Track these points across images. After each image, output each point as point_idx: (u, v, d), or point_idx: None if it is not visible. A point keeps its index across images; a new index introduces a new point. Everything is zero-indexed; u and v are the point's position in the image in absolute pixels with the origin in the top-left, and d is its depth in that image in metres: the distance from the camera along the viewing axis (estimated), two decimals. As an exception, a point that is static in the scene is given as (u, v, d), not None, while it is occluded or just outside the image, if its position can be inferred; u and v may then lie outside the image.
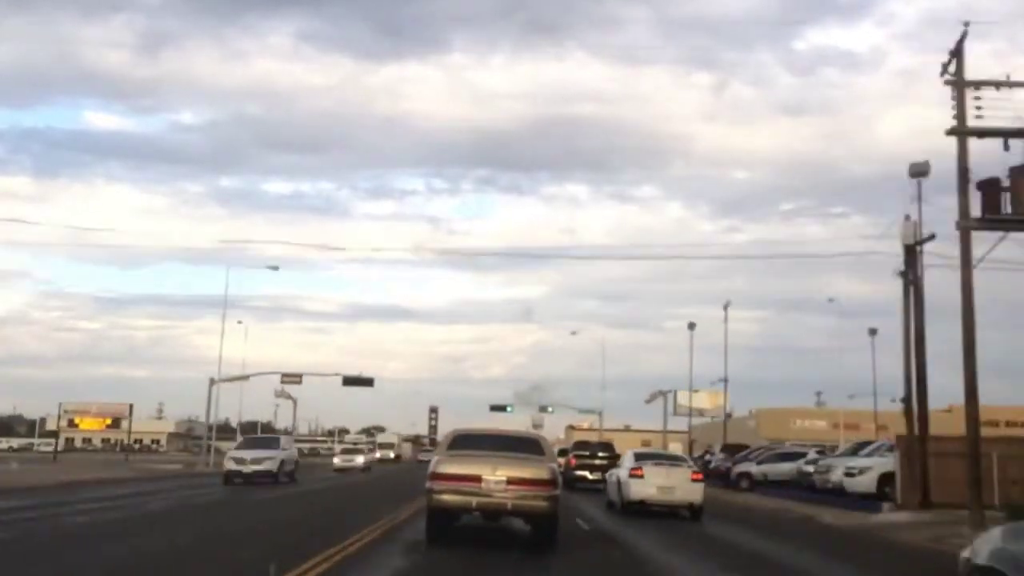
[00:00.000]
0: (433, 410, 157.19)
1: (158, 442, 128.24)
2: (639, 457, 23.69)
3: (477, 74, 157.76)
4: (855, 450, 33.28)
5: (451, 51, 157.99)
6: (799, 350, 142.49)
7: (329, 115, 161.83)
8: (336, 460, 59.23)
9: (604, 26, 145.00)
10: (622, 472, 23.41)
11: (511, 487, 13.10)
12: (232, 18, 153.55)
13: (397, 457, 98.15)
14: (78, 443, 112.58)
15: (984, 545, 6.20)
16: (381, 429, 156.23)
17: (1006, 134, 20.85)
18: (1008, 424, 59.14)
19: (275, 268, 59.25)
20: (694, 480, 22.43)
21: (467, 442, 14.56)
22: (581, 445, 41.02)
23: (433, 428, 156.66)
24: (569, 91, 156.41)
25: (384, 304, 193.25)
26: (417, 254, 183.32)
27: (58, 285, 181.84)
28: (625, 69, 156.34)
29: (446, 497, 13.26)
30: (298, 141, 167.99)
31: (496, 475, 13.13)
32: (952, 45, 21.49)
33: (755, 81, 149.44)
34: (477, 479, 13.14)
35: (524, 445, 14.66)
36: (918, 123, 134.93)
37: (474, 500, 13.18)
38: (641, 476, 22.32)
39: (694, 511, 22.08)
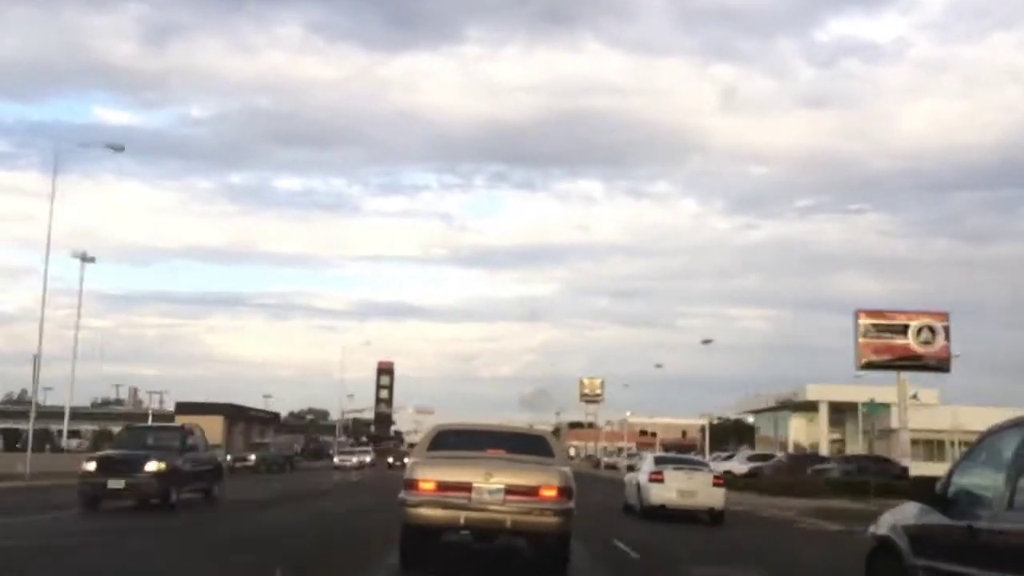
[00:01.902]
0: (385, 371, 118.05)
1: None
2: (659, 461, 23.49)
3: (491, 66, 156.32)
4: None
5: (464, 42, 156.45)
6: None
7: (340, 108, 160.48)
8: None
9: (620, 16, 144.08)
10: (641, 476, 23.15)
11: (510, 498, 10.44)
12: (240, 7, 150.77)
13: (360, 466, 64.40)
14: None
15: (883, 521, 7.69)
16: (322, 413, 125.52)
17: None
18: None
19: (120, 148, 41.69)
20: (715, 485, 22.18)
21: (453, 440, 11.83)
22: None
23: (385, 401, 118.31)
24: (584, 83, 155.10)
25: (394, 302, 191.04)
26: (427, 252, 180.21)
27: (67, 282, 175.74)
28: (641, 60, 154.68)
29: (425, 511, 10.57)
30: (309, 135, 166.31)
31: (491, 482, 10.47)
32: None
33: (774, 73, 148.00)
34: (466, 488, 10.46)
35: (527, 444, 11.91)
36: (941, 117, 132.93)
37: (462, 515, 10.46)
38: (661, 480, 22.07)
39: (715, 516, 21.81)
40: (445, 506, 10.49)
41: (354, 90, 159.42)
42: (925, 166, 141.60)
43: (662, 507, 21.83)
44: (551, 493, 10.58)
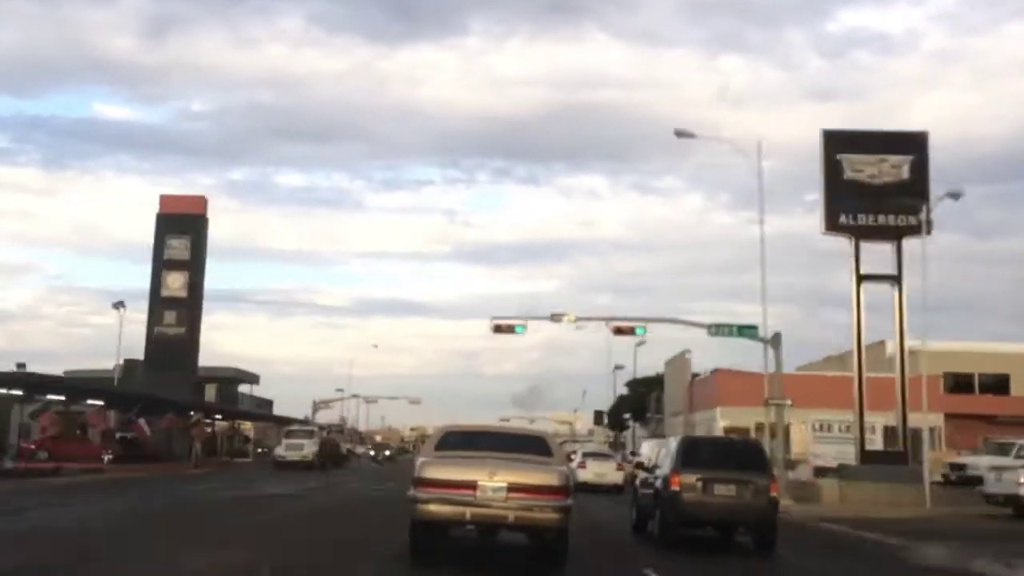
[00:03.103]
0: (177, 219, 59.47)
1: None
2: (585, 455, 37.19)
3: (494, 59, 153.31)
4: None
5: (467, 34, 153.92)
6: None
7: (342, 103, 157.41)
8: None
9: (625, 6, 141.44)
10: (573, 464, 36.74)
11: (513, 495, 11.50)
12: (240, 0, 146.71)
13: None
14: None
15: (637, 479, 20.02)
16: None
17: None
18: None
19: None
20: (618, 469, 35.79)
21: (459, 441, 13.05)
22: None
23: (185, 305, 59.37)
24: (588, 76, 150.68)
25: (396, 298, 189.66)
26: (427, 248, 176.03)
27: (68, 280, 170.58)
28: (646, 52, 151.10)
29: (433, 508, 11.69)
30: (310, 130, 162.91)
31: (494, 481, 11.52)
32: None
33: (782, 65, 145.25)
34: (471, 486, 11.53)
35: (528, 444, 13.17)
36: (951, 109, 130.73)
37: (468, 511, 11.56)
38: (585, 467, 35.38)
39: (618, 489, 35.23)
40: (451, 503, 11.56)
41: (356, 84, 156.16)
42: (934, 159, 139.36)
43: (585, 483, 35.13)
44: (550, 491, 11.63)
